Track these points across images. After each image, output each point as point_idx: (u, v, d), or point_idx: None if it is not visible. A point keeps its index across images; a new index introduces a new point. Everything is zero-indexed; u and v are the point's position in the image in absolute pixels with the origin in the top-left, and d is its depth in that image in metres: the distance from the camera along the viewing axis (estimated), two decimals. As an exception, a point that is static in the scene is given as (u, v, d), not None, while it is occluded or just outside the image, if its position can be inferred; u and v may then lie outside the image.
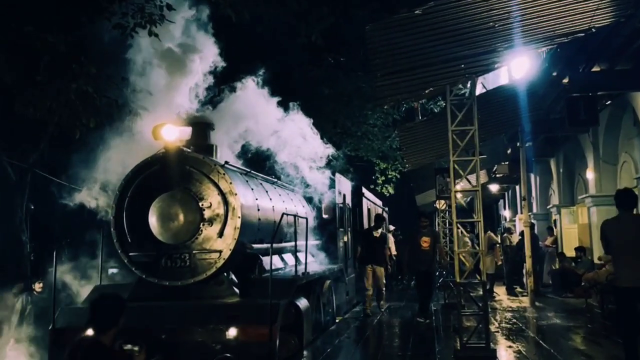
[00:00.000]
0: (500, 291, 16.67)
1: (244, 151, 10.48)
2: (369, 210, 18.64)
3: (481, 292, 8.81)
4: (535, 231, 16.82)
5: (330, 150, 12.16)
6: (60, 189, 9.55)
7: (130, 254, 8.06)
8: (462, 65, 7.89)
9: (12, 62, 9.39)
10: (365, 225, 17.29)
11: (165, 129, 7.83)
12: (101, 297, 4.56)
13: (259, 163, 11.35)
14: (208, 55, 9.25)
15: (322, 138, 12.00)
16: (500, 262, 16.70)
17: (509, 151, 16.46)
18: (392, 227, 21.56)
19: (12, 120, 11.13)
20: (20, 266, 12.80)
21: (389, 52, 7.48)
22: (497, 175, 18.61)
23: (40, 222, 14.25)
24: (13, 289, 11.52)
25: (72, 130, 9.88)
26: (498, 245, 16.60)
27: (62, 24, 9.16)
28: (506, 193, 26.34)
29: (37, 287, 11.67)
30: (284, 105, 10.88)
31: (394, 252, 20.13)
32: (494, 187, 21.60)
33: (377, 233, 12.86)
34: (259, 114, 10.04)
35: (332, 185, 13.12)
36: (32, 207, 13.88)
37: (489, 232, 16.90)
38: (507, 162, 17.16)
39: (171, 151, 8.01)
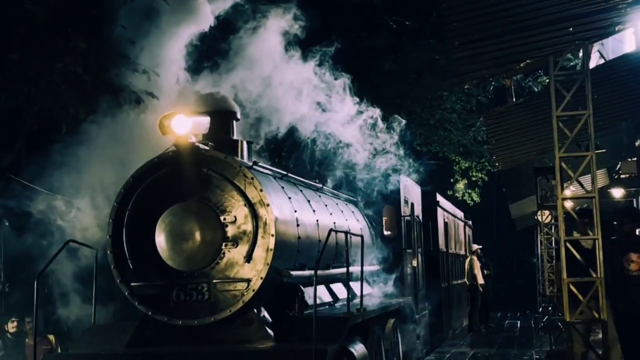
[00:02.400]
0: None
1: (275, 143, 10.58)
2: (446, 224, 18.55)
3: (602, 335, 8.66)
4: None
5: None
6: (43, 200, 9.79)
7: (132, 284, 8.17)
8: (571, 29, 7.80)
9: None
10: (442, 245, 17.21)
11: (175, 121, 7.91)
12: None
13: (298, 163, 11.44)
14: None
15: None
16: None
17: (637, 143, 16.13)
18: (475, 247, 21.43)
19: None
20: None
21: (471, 14, 7.45)
22: (622, 176, 18.28)
23: (17, 242, 14.64)
24: None
25: (56, 123, 10.08)
26: None
27: None
28: (635, 200, 25.79)
29: (11, 327, 12.04)
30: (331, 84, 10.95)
31: (480, 280, 20.00)
32: (617, 192, 21.22)
33: None
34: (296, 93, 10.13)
35: (396, 191, 13.10)
36: (7, 224, 14.26)
37: None
38: (634, 158, 16.82)
39: (183, 149, 8.11)
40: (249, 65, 9.72)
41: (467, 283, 20.27)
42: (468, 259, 20.71)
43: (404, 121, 11.84)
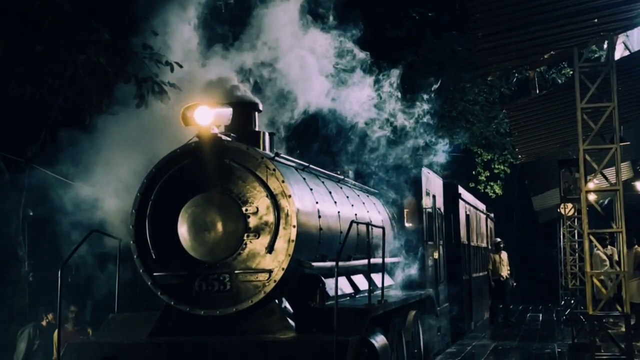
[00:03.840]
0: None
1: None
2: (467, 216, 18.49)
3: (624, 329, 8.61)
4: None
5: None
6: (67, 190, 9.86)
7: (155, 274, 8.23)
8: (596, 20, 7.74)
9: (3, 27, 9.59)
10: (463, 237, 17.16)
11: (198, 112, 7.96)
12: None
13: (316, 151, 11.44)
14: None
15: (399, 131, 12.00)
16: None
17: (662, 135, 15.97)
18: (497, 240, 21.22)
19: (4, 103, 11.50)
20: (17, 290, 13.28)
21: (494, 5, 7.41)
22: (646, 169, 18.11)
23: (41, 232, 14.78)
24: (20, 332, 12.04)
25: (80, 114, 10.13)
26: None
27: None
28: (659, 193, 25.57)
29: (47, 320, 12.11)
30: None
31: (505, 272, 19.68)
32: (641, 185, 21.06)
33: None
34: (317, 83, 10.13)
35: (417, 183, 13.07)
36: (31, 214, 14.40)
37: (637, 246, 16.45)
38: (660, 151, 16.68)
39: (206, 140, 8.15)
40: (270, 40, 9.71)
41: (499, 278, 19.72)
42: (499, 254, 20.18)
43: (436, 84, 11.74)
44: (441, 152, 15.45)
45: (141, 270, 8.25)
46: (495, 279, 19.70)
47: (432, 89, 12.55)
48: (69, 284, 12.61)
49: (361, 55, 11.01)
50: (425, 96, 12.41)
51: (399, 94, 11.65)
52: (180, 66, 9.22)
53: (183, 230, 7.99)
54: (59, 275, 7.88)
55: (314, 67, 10.04)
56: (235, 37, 9.72)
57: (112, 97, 9.81)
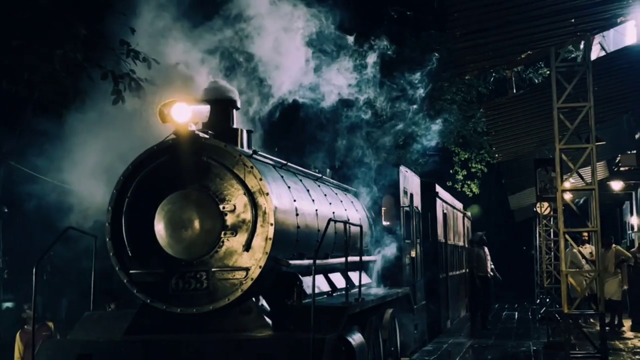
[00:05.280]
0: (625, 326, 16.39)
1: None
2: (445, 215, 18.55)
3: (599, 327, 8.68)
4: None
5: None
6: (43, 186, 9.78)
7: (131, 271, 8.16)
8: (573, 20, 7.78)
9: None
10: (440, 236, 17.21)
11: (175, 109, 7.90)
12: None
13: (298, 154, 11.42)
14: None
15: (380, 116, 11.99)
16: (626, 287, 16.43)
17: (637, 136, 16.13)
18: (480, 233, 20.16)
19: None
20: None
21: (473, 4, 7.43)
22: (621, 169, 18.29)
23: (16, 229, 14.66)
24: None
25: (56, 109, 10.05)
26: (628, 263, 16.31)
27: None
28: (634, 193, 25.81)
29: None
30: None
31: (489, 268, 18.81)
32: (616, 185, 21.26)
33: None
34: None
35: (394, 181, 13.10)
36: (6, 210, 14.28)
37: (616, 246, 16.67)
38: (634, 151, 16.83)
39: (183, 137, 8.10)
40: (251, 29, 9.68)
41: (486, 275, 18.41)
42: (483, 249, 18.95)
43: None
44: (419, 149, 15.49)
45: (117, 268, 8.19)
46: (481, 276, 18.32)
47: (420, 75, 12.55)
48: (44, 281, 12.50)
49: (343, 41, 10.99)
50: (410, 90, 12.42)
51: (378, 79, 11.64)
52: (158, 62, 9.16)
53: (160, 228, 7.95)
54: (34, 272, 7.80)
55: (293, 55, 10.00)
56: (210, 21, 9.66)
57: (89, 93, 9.75)
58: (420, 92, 12.86)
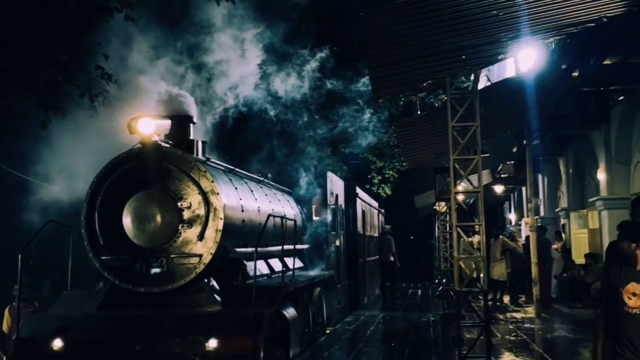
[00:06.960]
0: (505, 301, 16.77)
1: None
2: (363, 212, 18.68)
3: (483, 302, 8.86)
4: (546, 235, 16.82)
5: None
6: (26, 185, 9.49)
7: (103, 257, 8.05)
8: (464, 57, 7.92)
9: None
10: (360, 229, 17.33)
11: (141, 122, 7.82)
12: None
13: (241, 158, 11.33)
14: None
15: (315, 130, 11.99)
16: (509, 270, 16.80)
17: (514, 149, 16.52)
18: (387, 227, 20.61)
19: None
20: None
21: (385, 42, 7.51)
22: (502, 176, 18.68)
23: (2, 223, 14.19)
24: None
25: (40, 122, 9.81)
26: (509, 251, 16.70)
27: (29, 5, 9.07)
28: (512, 195, 26.45)
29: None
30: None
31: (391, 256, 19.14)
32: (498, 188, 21.69)
33: None
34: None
35: (323, 184, 13.15)
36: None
37: (502, 237, 17.07)
38: (512, 162, 17.23)
39: (148, 146, 8.00)
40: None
41: (387, 260, 18.34)
42: (384, 238, 19.38)
43: None
44: (340, 160, 15.52)
45: (90, 255, 8.09)
46: (385, 262, 18.59)
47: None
48: (30, 265, 12.09)
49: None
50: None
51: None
52: (126, 84, 9.01)
53: (127, 221, 7.85)
54: (19, 259, 7.61)
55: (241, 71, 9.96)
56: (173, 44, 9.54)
57: (68, 108, 9.56)
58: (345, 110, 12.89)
